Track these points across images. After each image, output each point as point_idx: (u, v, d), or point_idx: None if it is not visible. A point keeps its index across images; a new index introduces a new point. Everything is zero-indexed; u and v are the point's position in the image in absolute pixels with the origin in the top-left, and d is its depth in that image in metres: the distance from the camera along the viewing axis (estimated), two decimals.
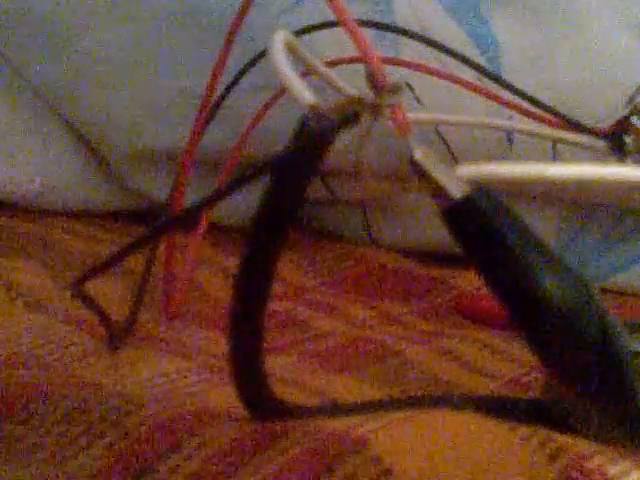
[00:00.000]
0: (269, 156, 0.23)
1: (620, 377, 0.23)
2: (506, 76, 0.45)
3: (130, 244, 0.27)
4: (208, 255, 0.47)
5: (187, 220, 0.28)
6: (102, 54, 0.50)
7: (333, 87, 0.37)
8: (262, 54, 0.40)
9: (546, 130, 0.42)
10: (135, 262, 0.41)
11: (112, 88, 0.51)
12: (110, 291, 0.41)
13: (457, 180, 0.22)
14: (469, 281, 0.47)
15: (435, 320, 0.43)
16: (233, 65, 0.40)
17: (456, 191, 0.22)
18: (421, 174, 0.23)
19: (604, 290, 0.49)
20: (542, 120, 0.41)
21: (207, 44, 0.48)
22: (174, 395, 0.31)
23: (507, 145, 0.49)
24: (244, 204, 0.45)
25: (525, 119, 0.41)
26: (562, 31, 0.48)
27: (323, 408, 0.31)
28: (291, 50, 0.30)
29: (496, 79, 0.42)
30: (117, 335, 0.36)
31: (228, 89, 0.42)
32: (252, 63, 0.42)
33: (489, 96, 0.41)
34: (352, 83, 0.35)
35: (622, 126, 0.40)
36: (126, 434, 0.27)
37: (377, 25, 0.45)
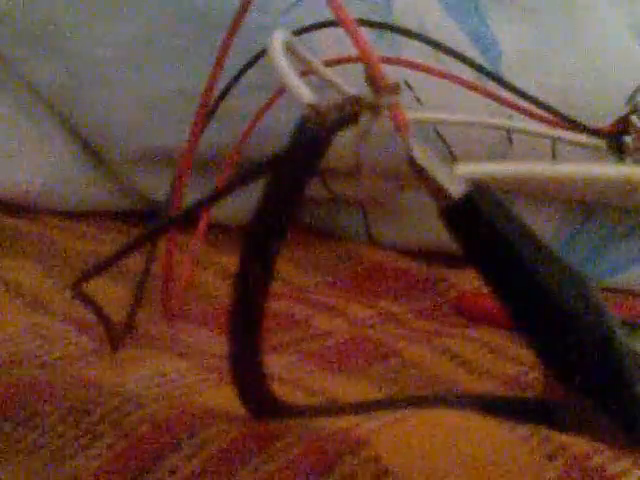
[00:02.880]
0: (269, 156, 0.23)
1: (620, 377, 0.23)
2: (506, 76, 0.45)
3: (130, 244, 0.27)
4: (208, 255, 0.47)
5: (187, 220, 0.28)
6: (101, 54, 0.50)
7: (333, 87, 0.37)
8: (262, 54, 0.41)
9: (546, 130, 0.42)
10: (135, 262, 0.41)
11: (111, 88, 0.51)
12: (110, 291, 0.41)
13: (457, 179, 0.22)
14: (469, 281, 0.47)
15: (435, 320, 0.43)
16: (233, 65, 0.40)
17: (455, 190, 0.22)
18: (420, 174, 0.23)
19: (604, 290, 0.49)
20: (542, 120, 0.41)
21: (206, 44, 0.48)
22: (174, 395, 0.31)
23: (507, 145, 0.49)
24: (244, 204, 0.45)
25: (525, 119, 0.41)
26: (562, 31, 0.48)
27: (323, 408, 0.31)
28: (290, 50, 0.30)
29: (496, 79, 0.42)
30: (117, 335, 0.36)
31: (227, 89, 0.42)
32: (252, 63, 0.42)
33: (489, 96, 0.41)
34: (352, 83, 0.35)
35: (622, 126, 0.40)
36: (126, 434, 0.27)
37: (377, 25, 0.45)
